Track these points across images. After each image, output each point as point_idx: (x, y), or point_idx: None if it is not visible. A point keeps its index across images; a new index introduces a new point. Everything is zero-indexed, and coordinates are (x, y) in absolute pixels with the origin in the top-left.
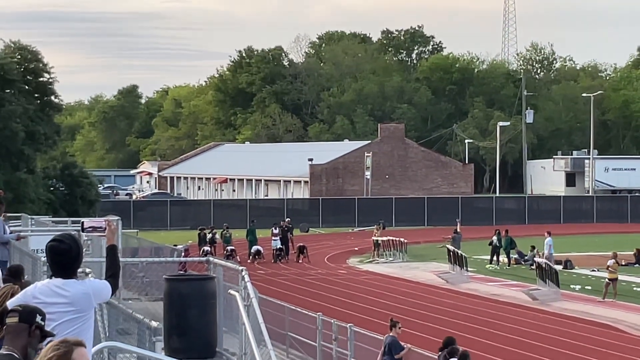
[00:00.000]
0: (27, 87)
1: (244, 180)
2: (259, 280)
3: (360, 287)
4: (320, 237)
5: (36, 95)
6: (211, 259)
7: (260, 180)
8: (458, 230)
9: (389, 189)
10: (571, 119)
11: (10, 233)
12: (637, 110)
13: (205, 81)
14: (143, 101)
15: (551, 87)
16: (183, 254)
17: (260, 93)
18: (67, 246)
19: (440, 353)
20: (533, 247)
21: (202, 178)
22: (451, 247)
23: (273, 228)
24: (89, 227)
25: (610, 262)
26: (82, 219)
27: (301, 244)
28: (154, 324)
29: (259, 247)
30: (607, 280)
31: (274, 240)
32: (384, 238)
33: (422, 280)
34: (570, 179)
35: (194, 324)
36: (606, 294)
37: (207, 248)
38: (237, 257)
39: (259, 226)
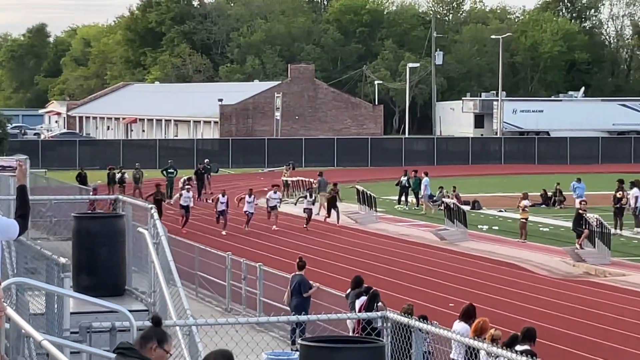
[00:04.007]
0: None
1: (154, 120)
2: (168, 220)
3: (269, 227)
4: (230, 178)
5: None
6: (120, 196)
7: (170, 120)
8: (322, 173)
9: (298, 130)
10: (480, 61)
11: None
12: (545, 53)
13: (114, 20)
14: (52, 40)
15: (461, 29)
16: (91, 193)
17: (170, 33)
18: None
19: (349, 292)
20: (441, 188)
21: (111, 118)
22: (360, 188)
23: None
24: None
25: (526, 202)
26: None
27: (332, 194)
28: (62, 260)
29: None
30: (523, 220)
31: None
32: (294, 178)
33: (331, 220)
34: (479, 121)
35: (103, 262)
36: (526, 234)
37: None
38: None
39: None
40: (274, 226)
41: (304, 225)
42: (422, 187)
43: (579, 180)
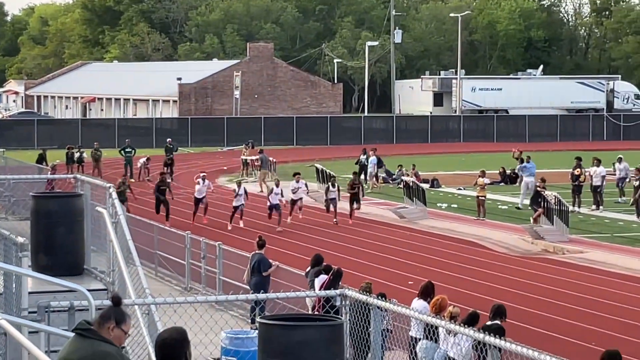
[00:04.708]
0: None
1: (112, 99)
2: (174, 214)
3: (228, 206)
4: (189, 157)
5: None
6: (79, 175)
7: (129, 99)
8: (262, 150)
9: (258, 109)
10: (439, 40)
11: None
12: (503, 31)
13: None
14: (9, 19)
15: (420, 7)
16: (50, 172)
17: (128, 12)
18: None
19: (309, 270)
20: (400, 166)
21: (69, 97)
22: (319, 166)
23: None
24: None
25: (486, 180)
26: None
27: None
28: (20, 239)
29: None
30: (481, 197)
31: (141, 160)
32: (253, 157)
33: (290, 198)
34: (438, 99)
35: (61, 242)
36: (484, 212)
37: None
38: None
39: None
40: (289, 219)
41: (334, 220)
42: (371, 165)
43: (528, 159)
